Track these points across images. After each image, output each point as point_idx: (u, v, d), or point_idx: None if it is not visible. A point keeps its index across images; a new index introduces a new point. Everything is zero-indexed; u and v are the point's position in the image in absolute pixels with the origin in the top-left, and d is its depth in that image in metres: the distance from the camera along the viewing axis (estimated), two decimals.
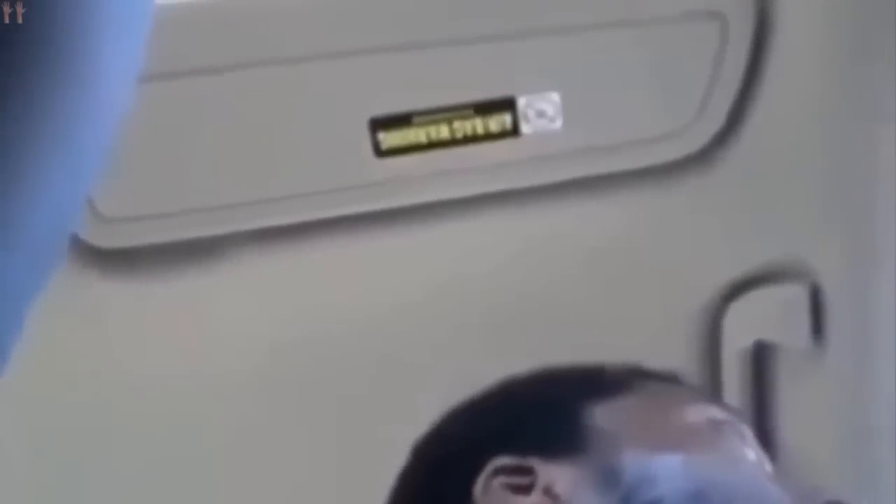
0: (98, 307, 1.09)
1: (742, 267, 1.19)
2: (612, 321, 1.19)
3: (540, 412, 0.88)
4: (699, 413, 0.88)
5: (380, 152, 1.05)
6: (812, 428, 1.26)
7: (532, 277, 1.16)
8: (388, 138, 1.05)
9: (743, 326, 1.21)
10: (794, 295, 1.20)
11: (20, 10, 0.40)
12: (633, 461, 0.81)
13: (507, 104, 1.06)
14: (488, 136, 1.07)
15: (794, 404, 1.25)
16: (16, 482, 1.14)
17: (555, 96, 1.06)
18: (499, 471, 0.83)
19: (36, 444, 1.13)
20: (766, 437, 1.25)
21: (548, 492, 0.81)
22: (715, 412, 0.89)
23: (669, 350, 1.22)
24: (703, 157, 1.12)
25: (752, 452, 0.87)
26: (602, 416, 0.86)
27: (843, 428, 1.26)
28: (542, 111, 1.06)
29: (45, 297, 1.02)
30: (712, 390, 1.23)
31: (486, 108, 1.06)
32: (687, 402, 0.91)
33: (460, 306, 1.16)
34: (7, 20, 0.39)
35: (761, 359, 1.24)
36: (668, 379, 0.95)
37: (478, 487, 0.83)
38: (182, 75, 1.01)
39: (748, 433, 0.89)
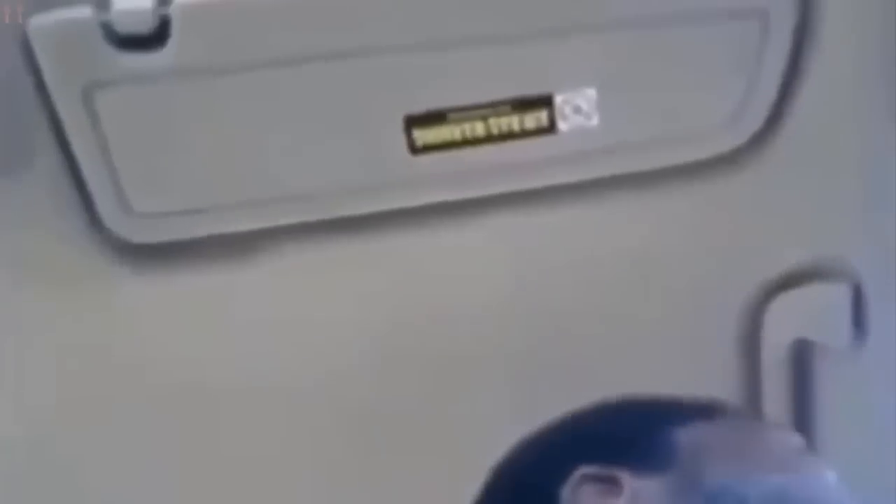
0: (130, 301, 1.10)
1: (782, 265, 1.18)
2: (652, 319, 1.18)
3: (625, 433, 0.89)
4: (782, 438, 0.90)
5: (415, 149, 1.04)
6: (852, 427, 1.25)
7: (569, 274, 1.15)
8: (424, 135, 1.04)
9: (783, 325, 1.20)
10: (834, 294, 1.19)
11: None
12: (719, 476, 0.82)
13: (544, 101, 1.05)
14: (524, 133, 1.05)
15: (835, 403, 1.24)
16: (43, 476, 1.14)
17: (591, 93, 1.05)
18: (586, 478, 0.83)
19: (66, 438, 1.14)
20: (806, 436, 1.24)
21: (636, 498, 0.81)
22: (796, 439, 0.91)
23: (709, 348, 1.21)
24: (743, 155, 1.10)
25: (833, 477, 0.87)
26: (685, 437, 0.87)
27: (883, 427, 1.25)
28: (578, 108, 1.05)
29: (77, 292, 1.03)
30: (752, 388, 1.22)
31: (522, 105, 1.05)
32: (769, 430, 0.94)
33: (496, 303, 1.15)
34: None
35: (801, 357, 1.22)
36: (743, 412, 0.95)
37: (566, 492, 0.84)
38: (217, 71, 1.00)
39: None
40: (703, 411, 0.93)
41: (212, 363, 1.13)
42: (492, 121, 1.04)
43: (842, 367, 1.22)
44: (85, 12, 0.97)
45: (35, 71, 0.98)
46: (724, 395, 1.20)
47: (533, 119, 1.05)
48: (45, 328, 1.09)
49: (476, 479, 0.94)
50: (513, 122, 1.05)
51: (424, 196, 1.08)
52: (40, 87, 0.99)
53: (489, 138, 1.05)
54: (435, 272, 1.12)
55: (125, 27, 0.97)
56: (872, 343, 1.21)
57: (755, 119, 1.08)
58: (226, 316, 1.12)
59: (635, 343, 1.18)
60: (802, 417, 1.24)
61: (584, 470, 0.84)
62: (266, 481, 1.17)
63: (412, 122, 1.04)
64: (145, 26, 0.97)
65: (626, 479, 0.83)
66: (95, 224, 1.05)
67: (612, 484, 0.83)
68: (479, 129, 1.05)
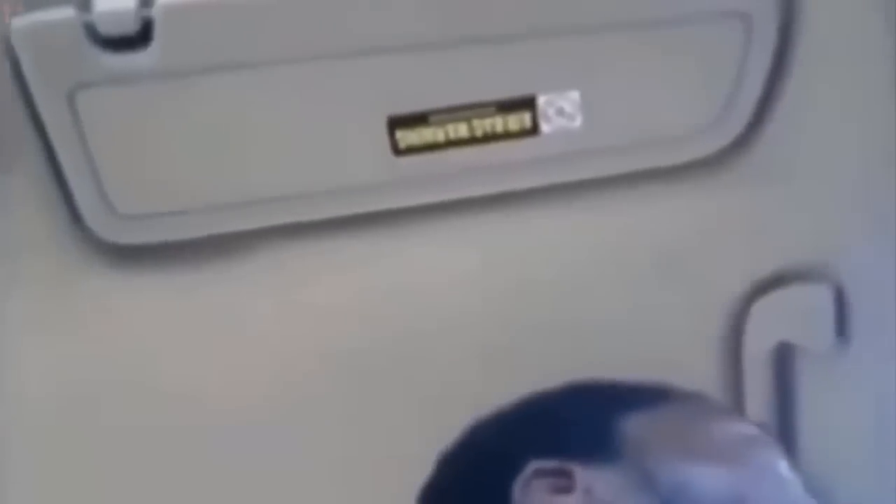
0: (113, 302, 1.09)
1: (764, 268, 1.18)
2: (634, 322, 1.18)
3: (575, 421, 0.89)
4: (731, 427, 0.90)
5: (398, 151, 1.04)
6: (834, 430, 1.25)
7: (552, 276, 1.15)
8: (407, 137, 1.04)
9: (766, 328, 1.20)
10: (817, 296, 1.19)
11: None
12: (670, 468, 0.82)
13: (527, 102, 1.05)
14: (507, 135, 1.06)
15: (817, 406, 1.24)
16: (25, 479, 1.14)
17: (575, 95, 1.05)
18: (538, 473, 0.83)
19: (51, 440, 1.14)
20: (787, 439, 1.24)
21: (588, 493, 0.81)
22: (746, 427, 0.90)
23: (691, 351, 1.21)
24: (726, 157, 1.10)
25: (785, 467, 0.87)
26: (636, 425, 0.87)
27: (865, 430, 1.25)
28: (561, 109, 1.05)
29: (63, 294, 1.03)
30: (734, 392, 1.22)
31: (505, 107, 1.05)
32: (718, 417, 0.93)
33: (479, 305, 1.15)
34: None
35: (784, 360, 1.22)
36: (696, 397, 0.95)
37: (517, 489, 0.84)
38: (200, 72, 1.00)
39: (778, 448, 0.89)
40: (654, 396, 0.92)
41: (195, 363, 1.13)
42: (475, 122, 1.04)
43: (824, 369, 1.22)
44: (67, 13, 0.96)
45: (17, 72, 0.98)
46: None
47: (516, 121, 1.05)
48: (27, 329, 1.08)
49: None
50: (496, 123, 1.05)
51: (407, 198, 1.08)
52: (23, 88, 0.98)
53: (472, 140, 1.05)
54: (418, 274, 1.12)
55: (108, 28, 0.97)
56: (855, 345, 1.21)
57: (739, 121, 1.08)
58: (209, 316, 1.12)
59: (617, 344, 1.18)
60: (785, 420, 1.24)
61: (536, 464, 0.84)
62: (253, 479, 1.17)
63: (395, 123, 1.04)
64: (128, 27, 0.97)
65: (579, 472, 0.82)
66: (78, 225, 1.05)
67: (564, 478, 0.83)
68: (462, 130, 1.05)
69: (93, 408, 1.13)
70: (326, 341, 1.14)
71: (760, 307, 1.19)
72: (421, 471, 0.98)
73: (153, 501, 1.18)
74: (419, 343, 1.15)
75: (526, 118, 1.05)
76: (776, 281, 1.18)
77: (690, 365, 1.21)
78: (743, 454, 0.87)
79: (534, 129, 1.05)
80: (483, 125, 1.05)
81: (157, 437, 1.15)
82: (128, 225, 1.06)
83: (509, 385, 1.13)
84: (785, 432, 1.24)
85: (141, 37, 0.98)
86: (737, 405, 1.23)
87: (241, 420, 1.15)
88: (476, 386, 1.16)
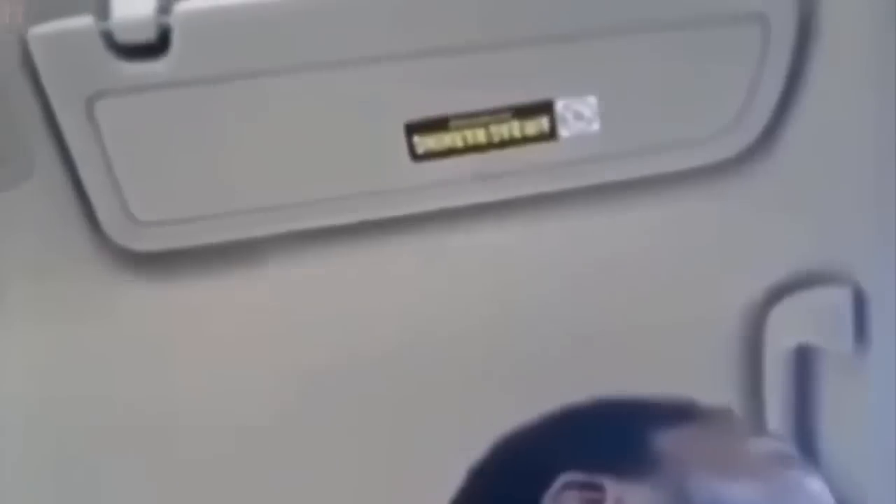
0: (132, 310, 1.10)
1: (784, 270, 1.17)
2: (655, 324, 1.18)
3: (606, 435, 0.89)
4: (760, 444, 0.90)
5: (416, 156, 1.04)
6: (854, 433, 1.24)
7: (570, 280, 1.15)
8: (424, 142, 1.04)
9: (786, 330, 1.20)
10: (837, 298, 1.18)
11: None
12: (702, 485, 0.82)
13: (545, 107, 1.05)
14: (525, 140, 1.05)
15: (838, 409, 1.24)
16: (37, 485, 1.14)
17: (592, 99, 1.05)
18: (568, 485, 0.83)
19: (65, 445, 1.14)
20: (808, 443, 1.24)
21: None
22: (774, 444, 0.90)
23: (711, 353, 1.21)
24: (745, 160, 1.10)
25: (814, 482, 0.87)
26: (668, 441, 0.87)
27: (887, 432, 1.25)
28: (579, 114, 1.05)
29: (80, 301, 1.03)
30: (754, 395, 1.22)
31: (523, 112, 1.04)
32: (746, 435, 0.93)
33: (497, 310, 1.15)
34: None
35: (804, 363, 1.22)
36: (722, 413, 0.95)
37: (547, 502, 0.83)
38: (218, 80, 1.00)
39: (805, 464, 0.89)
40: (682, 413, 0.92)
41: (212, 370, 1.13)
42: (493, 127, 1.04)
43: (844, 372, 1.22)
44: (85, 21, 0.97)
45: (35, 80, 0.98)
46: (725, 400, 1.21)
47: (534, 125, 1.05)
48: (47, 337, 1.09)
49: None
50: (514, 128, 1.05)
51: (425, 203, 1.08)
52: (41, 96, 0.99)
53: (490, 145, 1.05)
54: (436, 279, 1.12)
55: (126, 36, 0.97)
56: (875, 348, 1.20)
57: (756, 124, 1.08)
58: (229, 323, 1.12)
59: (637, 348, 1.18)
60: (805, 423, 1.24)
61: (566, 477, 0.83)
62: (260, 484, 1.18)
63: (413, 128, 1.04)
64: (146, 35, 0.97)
65: (610, 485, 0.82)
66: (97, 232, 1.05)
67: (595, 491, 0.82)
68: (480, 135, 1.04)
69: (110, 413, 1.13)
70: (344, 348, 1.13)
71: (780, 310, 1.19)
72: (447, 484, 0.98)
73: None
74: (436, 347, 1.15)
75: (544, 123, 1.05)
76: (795, 284, 1.18)
77: (711, 367, 1.21)
78: (774, 471, 0.86)
79: (552, 134, 1.05)
80: (501, 130, 1.05)
81: (172, 443, 1.16)
82: (146, 232, 1.06)
83: (528, 393, 1.13)
84: (805, 436, 1.24)
85: (159, 45, 0.98)
86: (757, 409, 1.23)
87: (253, 426, 1.16)
88: (496, 390, 1.16)
